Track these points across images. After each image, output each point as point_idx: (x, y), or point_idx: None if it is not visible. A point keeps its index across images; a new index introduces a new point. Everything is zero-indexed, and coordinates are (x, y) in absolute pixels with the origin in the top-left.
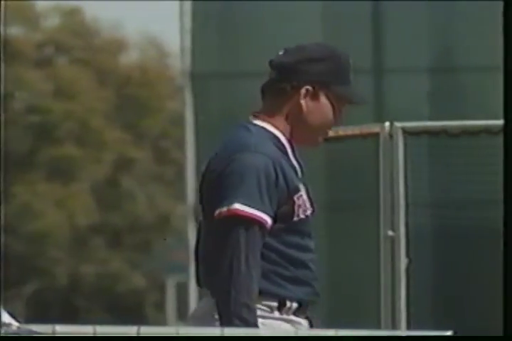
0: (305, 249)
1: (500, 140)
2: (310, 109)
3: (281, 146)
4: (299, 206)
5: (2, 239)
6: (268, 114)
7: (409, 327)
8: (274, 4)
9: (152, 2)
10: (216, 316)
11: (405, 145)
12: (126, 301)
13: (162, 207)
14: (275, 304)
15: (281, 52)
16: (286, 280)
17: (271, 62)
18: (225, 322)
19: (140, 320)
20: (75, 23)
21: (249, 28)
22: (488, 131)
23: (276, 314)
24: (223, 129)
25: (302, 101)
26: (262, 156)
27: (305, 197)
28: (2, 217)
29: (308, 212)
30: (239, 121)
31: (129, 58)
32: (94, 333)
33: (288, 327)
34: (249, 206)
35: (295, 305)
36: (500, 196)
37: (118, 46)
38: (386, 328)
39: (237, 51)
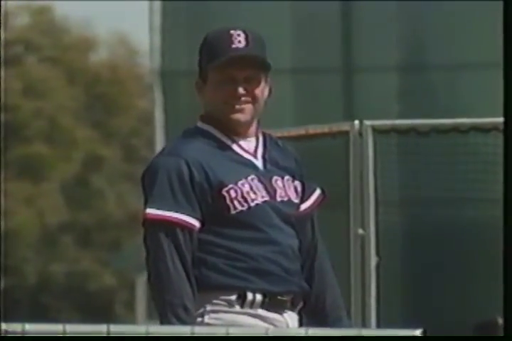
0: (261, 242)
1: (469, 138)
2: (208, 97)
3: (216, 142)
4: (233, 199)
5: None
6: (203, 112)
7: (379, 325)
8: (244, 4)
9: (122, 0)
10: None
11: (375, 143)
12: (96, 300)
13: (132, 205)
14: (234, 298)
15: None
16: (246, 271)
17: None
18: (164, 324)
19: (110, 318)
20: (44, 21)
21: (218, 26)
22: (457, 129)
23: (237, 308)
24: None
25: (199, 94)
26: (173, 158)
27: (248, 188)
28: None
29: (254, 203)
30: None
31: (99, 56)
32: (64, 332)
33: (254, 322)
34: (161, 209)
35: (259, 297)
36: (469, 194)
37: (87, 44)
38: (356, 326)
39: None
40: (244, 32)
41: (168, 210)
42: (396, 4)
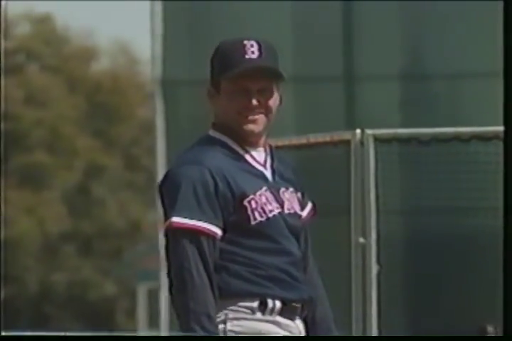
0: (275, 253)
1: (470, 147)
2: (220, 106)
3: (231, 152)
4: (254, 209)
5: None
6: (214, 120)
7: (380, 333)
8: (245, 13)
9: (123, 10)
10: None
11: (376, 152)
12: (97, 308)
13: (133, 214)
14: (256, 305)
15: None
16: (265, 279)
17: None
18: (187, 332)
19: (111, 327)
20: (45, 30)
21: (219, 36)
22: (458, 138)
23: (259, 315)
24: (194, 136)
25: (211, 103)
26: (197, 166)
27: (264, 199)
28: None
29: (271, 214)
30: (209, 128)
31: (100, 65)
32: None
33: (271, 329)
34: (187, 218)
35: (278, 303)
36: (470, 203)
37: (89, 54)
38: (357, 333)
39: (208, 58)
40: (257, 42)
41: (194, 219)
42: (397, 13)
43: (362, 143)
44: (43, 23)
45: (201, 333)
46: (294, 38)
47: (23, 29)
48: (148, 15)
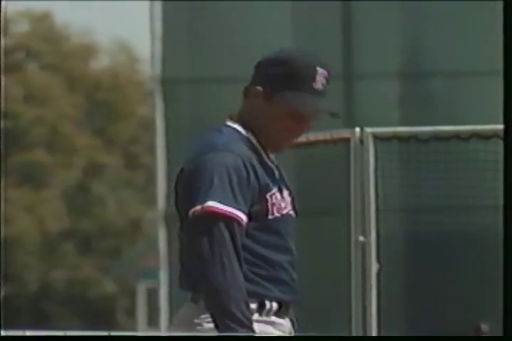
0: (282, 250)
1: (469, 145)
2: (263, 112)
3: (253, 147)
4: (273, 204)
5: None
6: (239, 115)
7: (379, 332)
8: (245, 13)
9: (122, 8)
10: (197, 321)
11: (376, 150)
12: (96, 307)
13: (133, 212)
14: (255, 305)
15: None
16: (264, 279)
17: None
18: (227, 322)
19: (110, 325)
20: (45, 28)
21: (219, 34)
22: (457, 136)
23: (256, 316)
24: (194, 134)
25: (254, 102)
26: (231, 154)
27: (279, 196)
28: None
29: (284, 212)
30: (209, 125)
31: (99, 63)
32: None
33: (268, 330)
34: (223, 203)
35: (275, 305)
36: (469, 201)
37: (88, 51)
38: (357, 333)
39: (207, 57)
40: (328, 72)
41: (229, 205)
42: (396, 12)
43: (361, 141)
44: (42, 20)
45: (242, 319)
46: (293, 37)
47: (22, 27)
48: (147, 13)
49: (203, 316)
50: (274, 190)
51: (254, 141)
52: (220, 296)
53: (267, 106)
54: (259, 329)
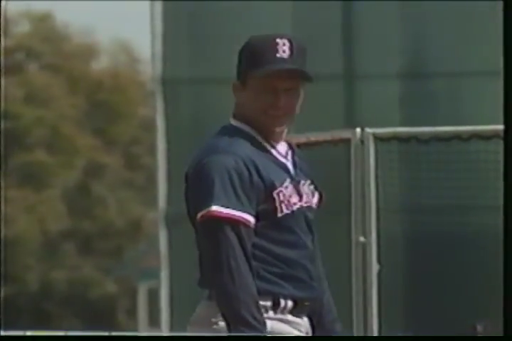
0: (295, 246)
1: (470, 146)
2: (246, 101)
3: (258, 144)
4: (281, 202)
5: None
6: (236, 113)
7: (380, 332)
8: (245, 13)
9: (123, 8)
10: (214, 320)
11: (376, 151)
12: (97, 307)
13: (133, 212)
14: (269, 303)
15: None
16: (278, 277)
17: None
18: (238, 326)
19: (111, 326)
20: (45, 28)
21: (219, 34)
22: (458, 137)
23: (271, 314)
24: (194, 134)
25: (238, 96)
26: (232, 156)
27: (289, 191)
28: None
29: (295, 207)
30: (209, 126)
31: (100, 64)
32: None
33: (284, 328)
34: (226, 207)
35: (290, 303)
36: (470, 202)
37: (89, 52)
38: (358, 333)
39: (208, 57)
40: (289, 41)
41: (233, 208)
42: (397, 12)
43: (362, 141)
44: (43, 21)
45: (252, 322)
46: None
47: (22, 27)
48: (148, 13)
49: (219, 314)
50: (283, 186)
51: (257, 136)
52: (230, 300)
53: (247, 95)
54: (275, 327)
